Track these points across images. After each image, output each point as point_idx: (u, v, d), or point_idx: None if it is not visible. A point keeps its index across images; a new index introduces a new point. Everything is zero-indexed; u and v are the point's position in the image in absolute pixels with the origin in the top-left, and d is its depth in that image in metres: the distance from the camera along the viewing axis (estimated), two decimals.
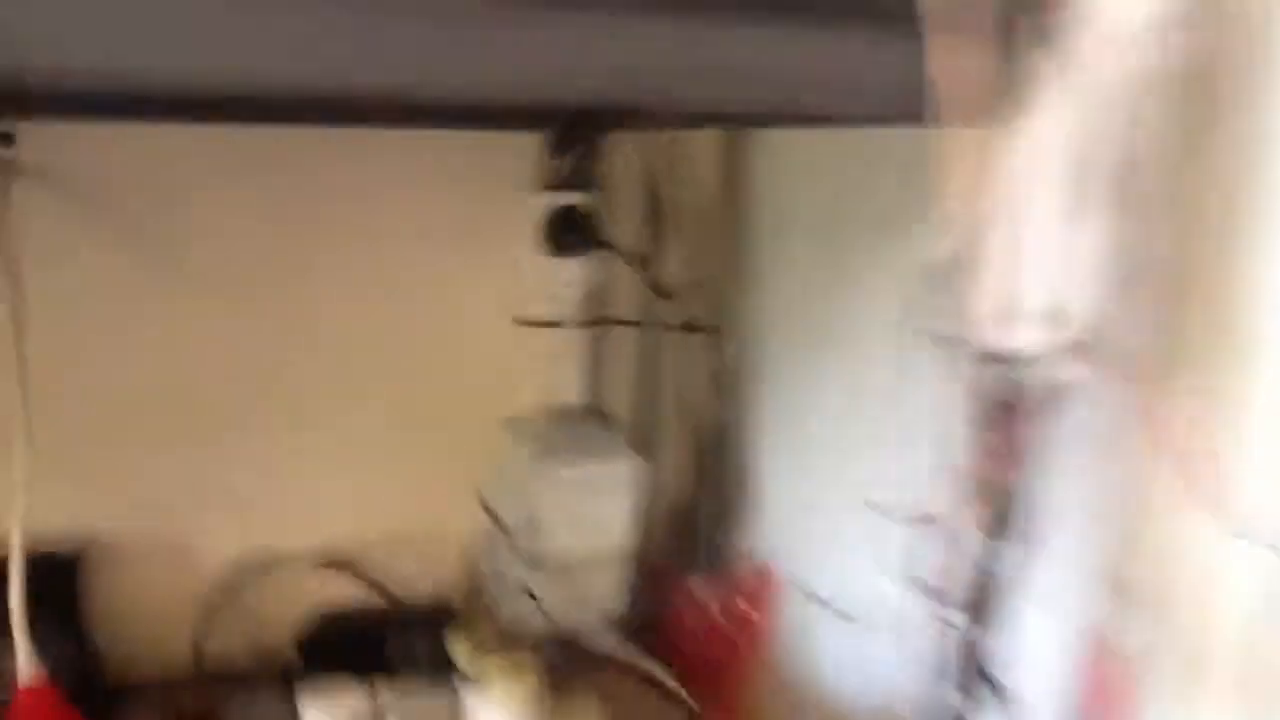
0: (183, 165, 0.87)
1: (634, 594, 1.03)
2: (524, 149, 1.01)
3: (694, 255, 1.06)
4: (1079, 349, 0.55)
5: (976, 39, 0.51)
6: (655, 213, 1.07)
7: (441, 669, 0.85)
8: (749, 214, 1.04)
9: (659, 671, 0.94)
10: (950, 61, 0.51)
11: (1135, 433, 0.60)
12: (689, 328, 1.06)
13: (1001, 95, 0.54)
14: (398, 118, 0.86)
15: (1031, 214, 0.53)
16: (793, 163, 0.99)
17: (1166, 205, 0.59)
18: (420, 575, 0.99)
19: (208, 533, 0.93)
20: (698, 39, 0.48)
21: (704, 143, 1.05)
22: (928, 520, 0.66)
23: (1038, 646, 0.68)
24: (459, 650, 0.86)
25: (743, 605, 1.04)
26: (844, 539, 0.88)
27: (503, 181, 1.00)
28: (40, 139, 0.81)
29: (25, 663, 0.73)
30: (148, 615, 0.91)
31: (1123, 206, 0.52)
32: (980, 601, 0.65)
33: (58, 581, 0.83)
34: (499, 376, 1.03)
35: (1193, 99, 0.60)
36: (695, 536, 1.08)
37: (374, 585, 0.97)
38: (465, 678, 0.84)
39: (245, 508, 0.94)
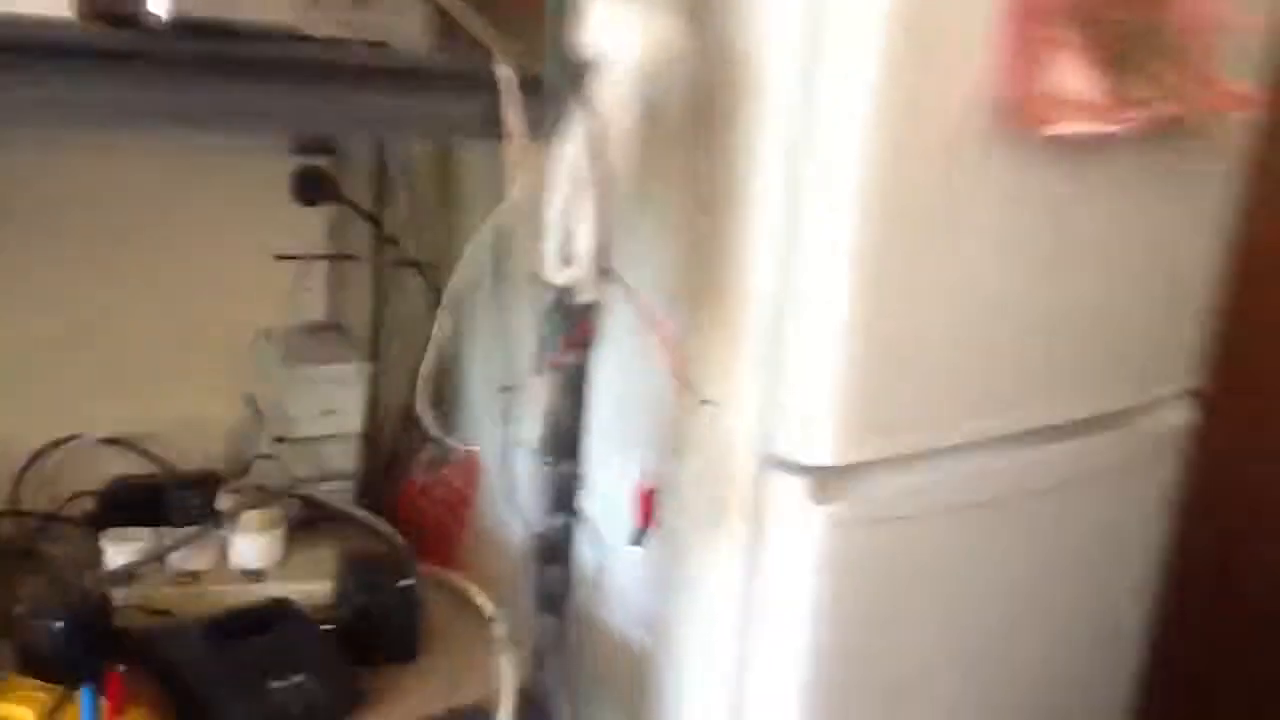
0: None
1: (368, 470, 1.36)
2: None
3: (414, 208, 1.38)
4: (600, 279, 0.91)
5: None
6: (382, 171, 1.38)
7: (210, 520, 1.14)
8: (455, 178, 1.37)
9: (381, 525, 1.26)
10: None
11: (646, 331, 0.96)
12: (409, 264, 1.38)
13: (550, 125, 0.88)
14: None
15: (560, 197, 0.87)
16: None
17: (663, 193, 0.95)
18: (194, 452, 1.28)
19: (29, 419, 1.20)
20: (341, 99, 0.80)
21: None
22: (535, 395, 1.00)
23: (603, 480, 1.05)
24: (224, 505, 1.15)
25: (453, 480, 1.38)
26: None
27: (263, 147, 1.29)
28: None
29: None
30: None
31: (605, 198, 0.86)
32: (565, 447, 1.00)
33: None
34: (260, 300, 1.33)
35: (693, 116, 0.95)
36: (417, 428, 1.41)
37: (156, 460, 1.26)
38: (229, 525, 1.14)
39: (52, 404, 1.22)
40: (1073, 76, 0.95)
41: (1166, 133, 1.08)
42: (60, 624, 0.91)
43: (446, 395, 1.37)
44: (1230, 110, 1.11)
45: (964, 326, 1.03)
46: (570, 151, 0.87)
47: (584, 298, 0.92)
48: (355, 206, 1.34)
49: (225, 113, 0.82)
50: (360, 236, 1.38)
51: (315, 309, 1.37)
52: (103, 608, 0.97)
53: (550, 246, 0.90)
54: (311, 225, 1.35)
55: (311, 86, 0.82)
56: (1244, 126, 1.21)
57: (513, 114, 0.88)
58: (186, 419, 1.29)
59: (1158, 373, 1.29)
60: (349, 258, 1.38)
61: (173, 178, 1.24)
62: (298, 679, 0.92)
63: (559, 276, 0.90)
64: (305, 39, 0.81)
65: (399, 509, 1.34)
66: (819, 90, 0.91)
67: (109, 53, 0.74)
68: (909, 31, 0.89)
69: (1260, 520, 1.76)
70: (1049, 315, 1.11)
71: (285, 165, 1.31)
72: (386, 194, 1.37)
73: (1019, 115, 0.95)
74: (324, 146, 1.34)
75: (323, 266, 1.36)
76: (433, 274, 1.37)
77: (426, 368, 0.97)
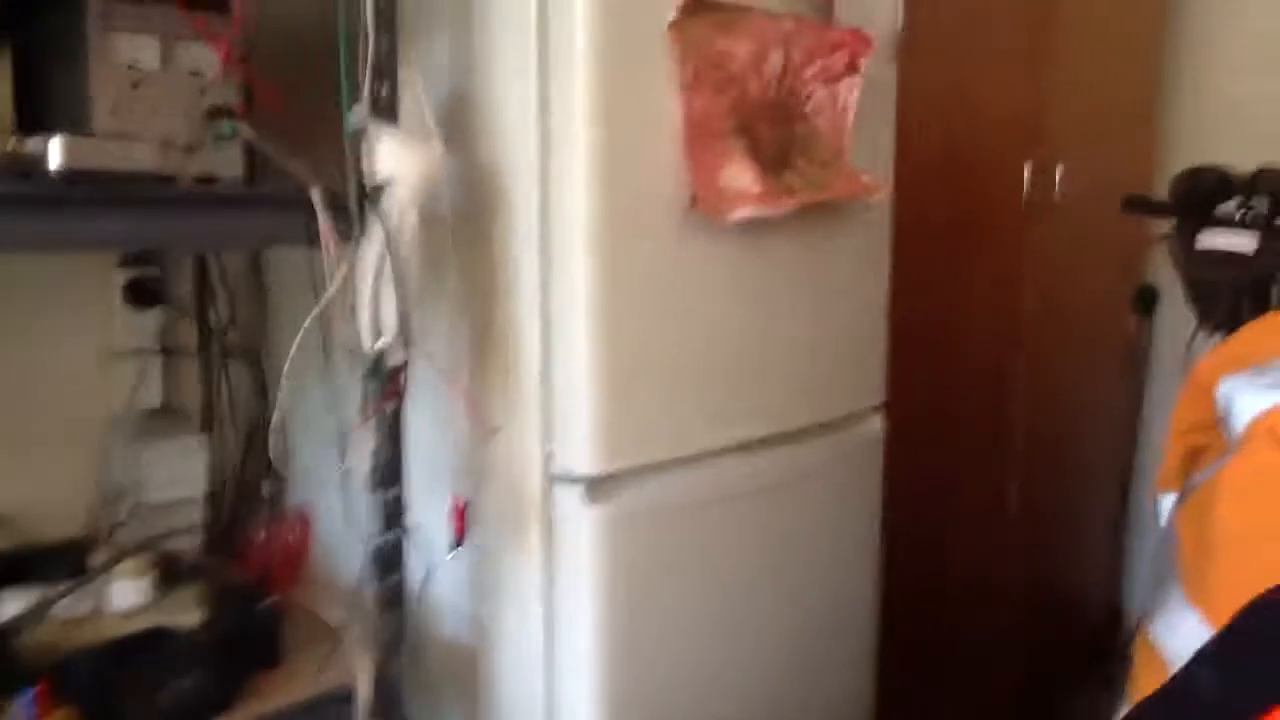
0: None
1: (212, 529, 1.58)
2: None
3: (233, 305, 1.62)
4: (405, 345, 1.19)
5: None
6: (203, 277, 1.62)
7: (86, 575, 1.34)
8: (267, 280, 1.63)
9: (231, 570, 1.49)
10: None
11: (443, 382, 1.26)
12: (232, 355, 1.62)
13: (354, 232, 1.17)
14: None
15: (368, 285, 1.16)
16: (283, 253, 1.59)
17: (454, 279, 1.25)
18: (55, 527, 1.47)
19: None
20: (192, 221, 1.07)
21: None
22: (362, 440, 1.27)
23: (423, 503, 1.32)
24: (96, 561, 1.36)
25: (287, 534, 1.61)
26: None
27: (99, 262, 1.52)
28: None
29: None
30: None
31: (402, 282, 1.16)
32: (389, 477, 1.28)
33: None
34: (103, 391, 1.55)
35: (463, 220, 1.26)
36: (252, 491, 1.64)
37: (22, 537, 1.45)
38: (104, 577, 1.34)
39: None
40: (740, 175, 1.32)
41: (821, 210, 1.47)
42: None
43: (278, 463, 1.62)
44: (862, 194, 1.50)
45: (688, 362, 1.37)
46: (372, 250, 1.16)
47: (394, 359, 1.20)
48: (180, 309, 1.59)
49: (101, 239, 1.07)
50: (188, 332, 1.62)
51: (153, 396, 1.59)
52: (6, 644, 1.16)
53: (364, 322, 1.19)
54: (145, 325, 1.58)
55: (172, 216, 1.09)
56: (880, 201, 1.62)
57: (325, 225, 1.16)
58: (45, 498, 1.49)
59: (849, 392, 1.67)
60: (179, 352, 1.61)
61: (20, 286, 1.46)
62: (185, 680, 1.14)
63: (373, 344, 1.18)
64: (164, 180, 1.08)
65: (243, 560, 1.56)
66: (552, 194, 1.24)
67: (12, 197, 0.99)
68: (614, 151, 1.24)
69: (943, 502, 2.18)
70: (757, 350, 1.46)
71: (118, 275, 1.54)
72: (208, 296, 1.62)
73: (705, 204, 1.30)
74: (147, 258, 1.58)
75: (158, 360, 1.59)
76: (252, 360, 1.63)
77: (276, 421, 1.22)
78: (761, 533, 1.53)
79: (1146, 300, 2.53)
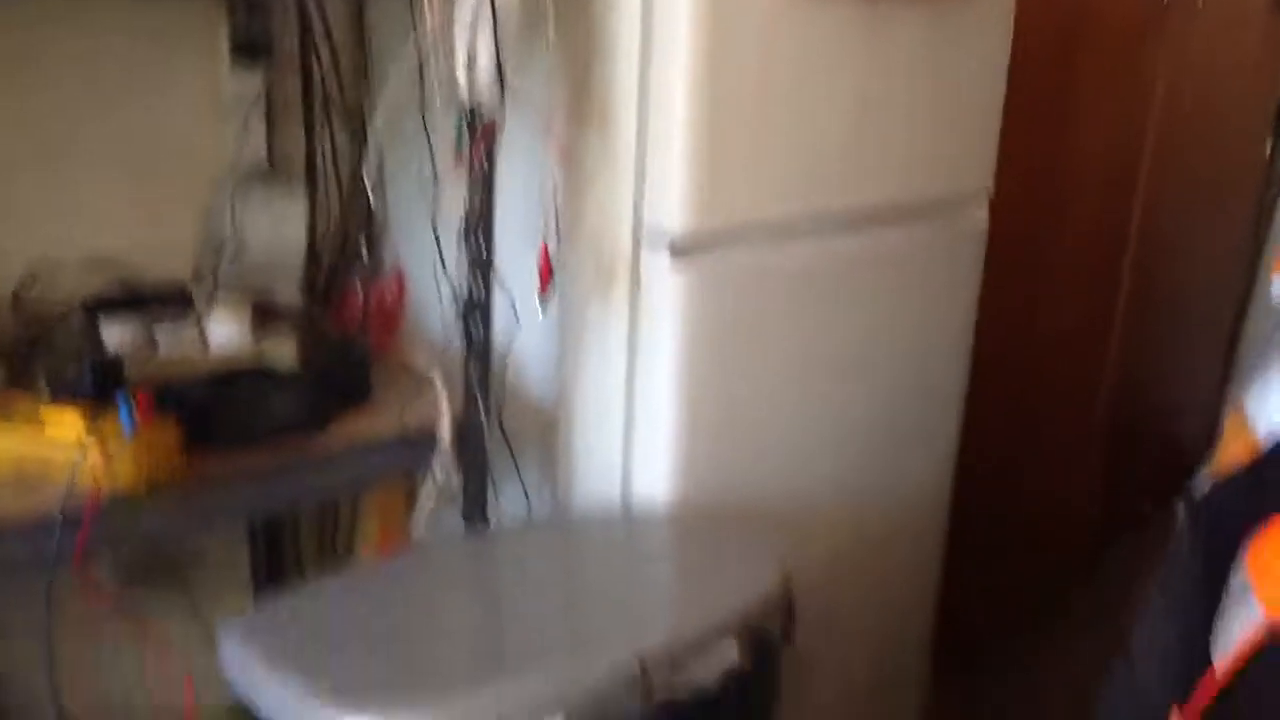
0: None
1: (311, 283, 1.63)
2: None
3: (335, 61, 1.62)
4: (500, 92, 1.18)
5: None
6: (306, 32, 1.62)
7: (189, 311, 1.40)
8: (370, 34, 1.62)
9: (326, 319, 1.53)
10: None
11: (539, 131, 1.25)
12: (337, 106, 1.63)
13: None
14: None
15: (465, 28, 1.14)
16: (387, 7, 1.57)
17: None
18: (163, 272, 1.53)
19: (20, 242, 1.44)
20: None
21: None
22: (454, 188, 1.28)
23: (512, 255, 1.33)
24: (199, 298, 1.41)
25: (383, 289, 1.65)
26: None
27: (207, 18, 1.54)
28: None
29: None
30: None
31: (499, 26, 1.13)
32: (481, 227, 1.29)
33: None
34: (212, 146, 1.57)
35: None
36: (351, 247, 1.67)
37: (131, 279, 1.50)
38: (204, 314, 1.40)
39: (48, 228, 1.46)
40: None
41: None
42: (88, 367, 1.17)
43: (377, 219, 1.64)
44: None
45: (787, 123, 1.33)
46: None
47: (488, 107, 1.19)
48: (286, 63, 1.59)
49: None
50: (293, 87, 1.63)
51: (258, 151, 1.61)
52: (116, 360, 1.22)
53: (460, 70, 1.17)
54: (251, 80, 1.59)
55: None
56: None
57: None
58: (154, 243, 1.54)
59: (956, 173, 1.61)
60: (285, 106, 1.63)
61: (136, 38, 1.48)
62: (279, 402, 1.19)
63: (468, 90, 1.17)
64: None
65: (339, 313, 1.61)
66: None
67: None
68: None
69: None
70: (862, 118, 1.42)
71: (225, 29, 1.55)
72: (312, 49, 1.62)
73: None
74: (254, 12, 1.58)
75: (262, 115, 1.61)
76: (354, 115, 1.64)
77: (369, 168, 1.22)
78: (851, 312, 1.52)
79: None
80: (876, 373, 1.59)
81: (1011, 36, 1.61)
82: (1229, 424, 1.00)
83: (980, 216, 1.66)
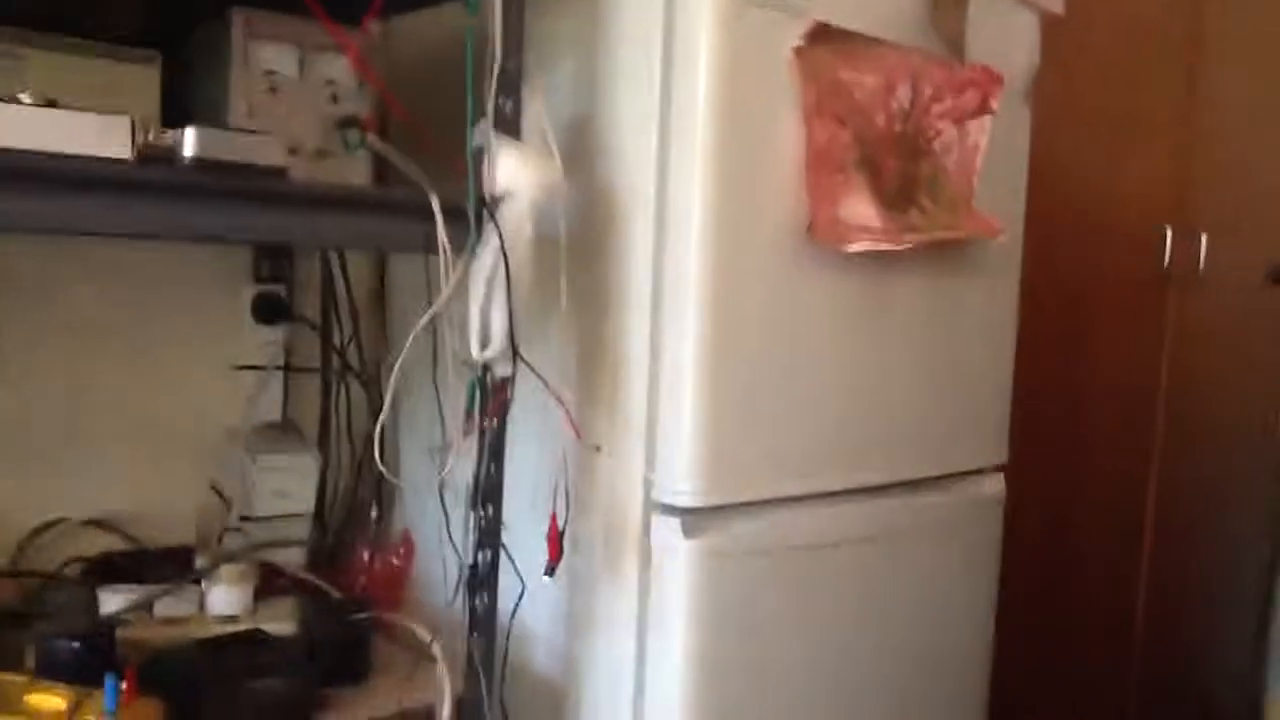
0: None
1: (317, 545, 1.59)
2: (241, 255, 1.58)
3: (355, 325, 1.66)
4: (511, 359, 1.19)
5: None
6: (329, 296, 1.66)
7: (188, 577, 1.36)
8: (390, 301, 1.66)
9: (331, 587, 1.49)
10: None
11: (548, 399, 1.25)
12: (351, 371, 1.65)
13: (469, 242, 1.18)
14: None
15: (480, 295, 1.16)
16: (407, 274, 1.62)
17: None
18: (167, 532, 1.51)
19: (25, 503, 1.43)
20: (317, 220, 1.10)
21: (358, 257, 1.66)
22: (464, 453, 1.27)
23: (520, 523, 1.31)
24: (200, 563, 1.38)
25: (390, 554, 1.61)
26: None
27: (231, 276, 1.57)
28: None
29: None
30: None
31: (512, 295, 1.16)
32: (489, 494, 1.27)
33: None
34: (224, 403, 1.58)
35: (577, 237, 1.26)
36: (360, 510, 1.65)
37: (135, 539, 1.48)
38: (205, 580, 1.36)
39: (52, 489, 1.45)
40: (861, 207, 1.29)
41: (945, 253, 1.43)
42: (75, 642, 1.13)
43: (385, 485, 1.63)
44: (989, 233, 1.45)
45: (799, 398, 1.33)
46: (485, 261, 1.16)
47: (500, 373, 1.20)
48: (309, 323, 1.62)
49: (227, 228, 1.09)
50: (311, 348, 1.65)
51: (273, 410, 1.62)
52: (108, 633, 1.18)
53: (473, 333, 1.19)
54: (270, 340, 1.62)
55: (294, 211, 1.11)
56: (1009, 249, 1.56)
57: (442, 233, 1.17)
58: (160, 503, 1.52)
59: (968, 446, 1.60)
60: (302, 368, 1.65)
61: (152, 300, 1.51)
62: (271, 682, 1.14)
63: (480, 356, 1.18)
64: (286, 177, 1.10)
65: (345, 579, 1.57)
66: (669, 218, 1.24)
67: (149, 183, 1.02)
68: (733, 176, 1.23)
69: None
70: (872, 391, 1.42)
71: (247, 290, 1.59)
72: (333, 313, 1.65)
73: (823, 234, 1.27)
74: (278, 275, 1.63)
75: (280, 374, 1.62)
76: (371, 379, 1.65)
77: (380, 429, 1.22)
78: (867, 584, 1.47)
79: None
80: (897, 645, 1.52)
81: (1018, 304, 1.63)
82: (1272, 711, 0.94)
83: (996, 486, 1.64)
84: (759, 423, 1.30)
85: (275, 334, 1.62)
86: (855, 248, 1.29)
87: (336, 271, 1.64)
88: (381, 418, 1.18)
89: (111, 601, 1.30)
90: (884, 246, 1.30)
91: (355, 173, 1.24)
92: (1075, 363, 2.03)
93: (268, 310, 1.61)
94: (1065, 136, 1.84)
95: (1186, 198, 2.08)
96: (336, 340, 1.65)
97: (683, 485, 1.25)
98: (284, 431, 1.63)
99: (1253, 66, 2.13)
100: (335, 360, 1.65)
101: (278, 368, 1.62)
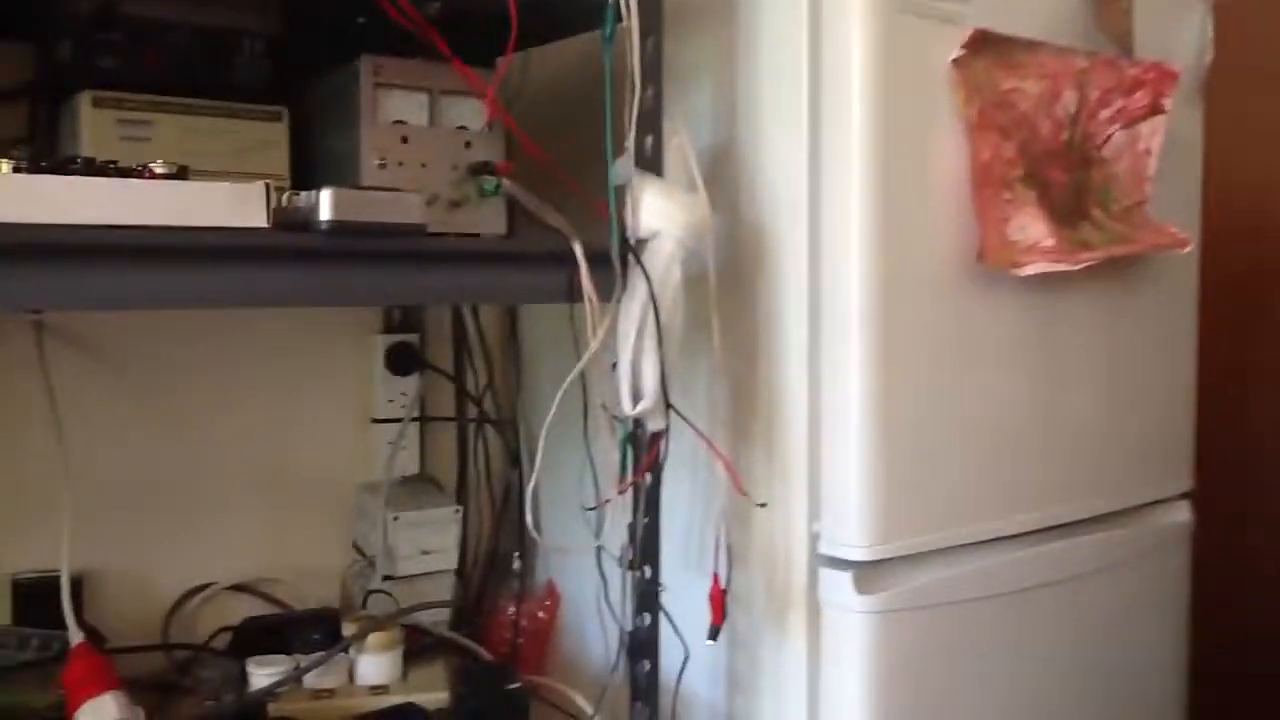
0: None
1: (461, 602, 1.54)
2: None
3: (489, 373, 1.60)
4: (664, 411, 1.11)
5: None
6: (462, 343, 1.61)
7: (337, 645, 1.32)
8: (522, 346, 1.60)
9: (477, 647, 1.44)
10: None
11: (705, 452, 1.17)
12: (488, 420, 1.59)
13: (616, 289, 1.11)
14: None
15: (629, 346, 1.09)
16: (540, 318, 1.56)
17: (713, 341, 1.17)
18: (311, 594, 1.47)
19: (171, 570, 1.40)
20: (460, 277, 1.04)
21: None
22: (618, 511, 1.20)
23: (679, 583, 1.23)
24: (347, 631, 1.34)
25: (535, 610, 1.56)
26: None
27: (361, 328, 1.53)
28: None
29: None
30: (132, 624, 1.37)
31: (663, 344, 1.08)
32: (646, 554, 1.19)
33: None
34: (362, 458, 1.54)
35: (727, 278, 1.18)
36: (501, 563, 1.60)
37: (279, 603, 1.45)
38: (354, 649, 1.32)
39: (196, 554, 1.42)
40: (1031, 226, 1.18)
41: (1120, 268, 1.31)
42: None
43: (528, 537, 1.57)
44: (1171, 247, 1.33)
45: (971, 437, 1.23)
46: (633, 309, 1.09)
47: (653, 426, 1.12)
48: (443, 373, 1.57)
49: (369, 291, 1.04)
50: (445, 398, 1.60)
51: (410, 463, 1.58)
52: (260, 712, 1.14)
53: (623, 386, 1.11)
54: (404, 391, 1.57)
55: (434, 270, 1.05)
56: (1185, 258, 1.43)
57: (587, 282, 1.10)
58: (300, 563, 1.48)
59: (1150, 477, 1.47)
60: (437, 419, 1.60)
61: (287, 353, 1.48)
62: None
63: (632, 410, 1.11)
64: (428, 234, 1.04)
65: (490, 635, 1.51)
66: (824, 249, 1.15)
67: (286, 250, 0.97)
68: (892, 202, 1.13)
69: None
70: (1048, 425, 1.31)
71: (379, 341, 1.55)
72: (466, 362, 1.60)
73: (992, 258, 1.17)
74: (410, 324, 1.58)
75: (415, 425, 1.58)
76: (507, 428, 1.59)
77: (531, 488, 1.15)
78: (1054, 630, 1.36)
79: None
80: (1086, 690, 1.41)
81: (1196, 318, 1.50)
82: None
83: (1182, 516, 1.51)
84: (932, 466, 1.20)
85: (409, 385, 1.57)
86: (1029, 270, 1.18)
87: (469, 318, 1.59)
88: (534, 478, 1.12)
89: (260, 675, 1.26)
90: (1060, 267, 1.19)
91: (490, 220, 1.18)
92: (1247, 364, 1.88)
93: (401, 360, 1.56)
94: (1229, 124, 1.70)
95: None
96: (470, 388, 1.60)
97: (853, 537, 1.16)
98: (423, 484, 1.59)
99: None
100: (470, 408, 1.59)
101: (414, 419, 1.57)
